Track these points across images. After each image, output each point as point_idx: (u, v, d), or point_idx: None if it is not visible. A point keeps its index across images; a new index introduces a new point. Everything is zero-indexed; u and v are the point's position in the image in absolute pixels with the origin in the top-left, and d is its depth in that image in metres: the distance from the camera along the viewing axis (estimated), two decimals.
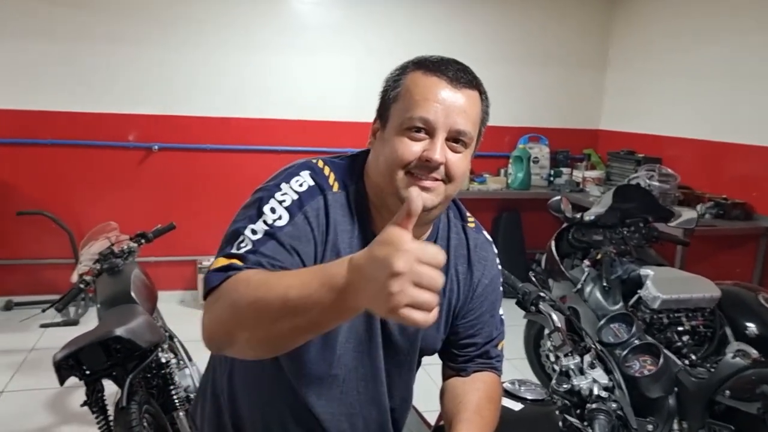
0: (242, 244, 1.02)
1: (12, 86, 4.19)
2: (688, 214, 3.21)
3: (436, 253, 0.75)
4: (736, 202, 3.81)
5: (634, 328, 1.82)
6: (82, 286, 2.37)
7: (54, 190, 4.35)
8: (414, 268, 0.73)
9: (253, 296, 0.88)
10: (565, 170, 5.10)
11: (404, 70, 1.12)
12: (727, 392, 2.05)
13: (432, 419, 1.46)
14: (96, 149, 4.39)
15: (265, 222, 1.04)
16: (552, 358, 2.96)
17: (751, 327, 2.43)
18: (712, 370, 2.17)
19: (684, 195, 4.07)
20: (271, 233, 1.03)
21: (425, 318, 0.74)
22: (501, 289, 1.33)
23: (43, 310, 2.60)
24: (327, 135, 4.62)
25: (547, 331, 1.60)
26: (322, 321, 0.84)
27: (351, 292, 0.79)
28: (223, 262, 1.00)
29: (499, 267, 1.33)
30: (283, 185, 1.10)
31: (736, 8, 3.95)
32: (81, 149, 4.37)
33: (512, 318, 2.92)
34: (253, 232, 1.03)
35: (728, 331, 2.53)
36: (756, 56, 3.79)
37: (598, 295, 2.62)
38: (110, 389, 2.04)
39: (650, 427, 1.65)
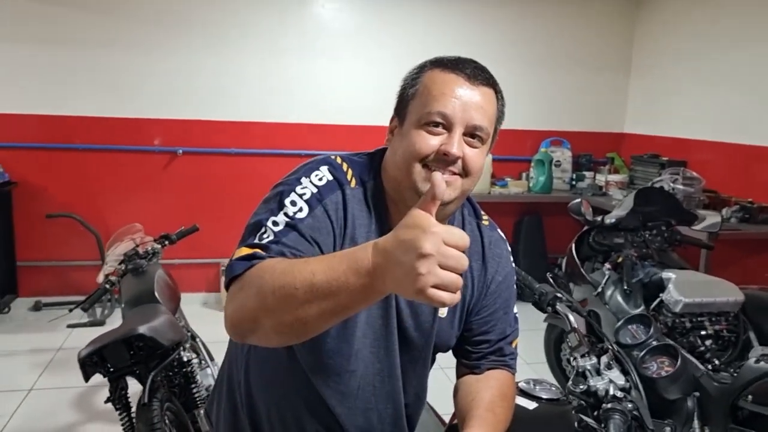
0: (264, 235, 1.05)
1: (41, 91, 4.30)
2: (712, 217, 3.17)
3: (461, 235, 0.78)
4: (763, 206, 3.74)
5: (651, 330, 1.81)
6: (107, 286, 2.42)
7: (82, 193, 4.45)
8: (440, 249, 0.76)
9: (279, 282, 0.89)
10: (587, 174, 5.05)
11: (422, 68, 1.15)
12: (750, 397, 2.02)
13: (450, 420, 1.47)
14: (123, 153, 4.49)
15: (286, 214, 1.07)
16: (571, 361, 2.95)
17: None
18: (735, 374, 2.14)
19: (709, 198, 4.02)
20: (292, 224, 1.06)
21: (452, 298, 0.77)
22: (515, 287, 1.33)
23: (70, 310, 2.67)
24: (349, 139, 4.65)
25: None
26: (348, 304, 0.86)
27: (378, 275, 0.81)
28: (246, 251, 1.02)
29: (513, 265, 1.34)
30: (303, 179, 1.13)
31: (763, 11, 3.89)
32: (108, 153, 4.47)
33: (533, 322, 2.92)
34: (275, 223, 1.06)
35: (752, 335, 2.50)
36: None
37: (619, 298, 2.61)
38: (135, 387, 2.08)
39: (668, 429, 1.63)
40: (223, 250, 4.53)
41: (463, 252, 0.78)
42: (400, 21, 4.75)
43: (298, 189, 1.11)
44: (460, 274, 0.79)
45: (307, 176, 1.13)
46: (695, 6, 4.51)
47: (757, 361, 2.07)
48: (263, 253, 1.01)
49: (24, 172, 4.34)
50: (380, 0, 4.69)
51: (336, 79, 4.72)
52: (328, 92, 4.72)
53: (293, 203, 1.08)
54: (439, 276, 0.76)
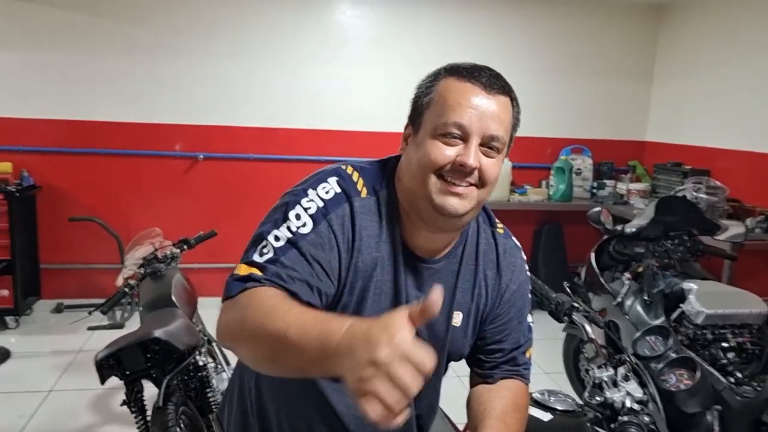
0: (264, 250, 1.06)
1: (66, 97, 4.37)
2: (736, 227, 3.12)
3: (424, 359, 0.73)
4: None
5: (670, 341, 1.77)
6: (126, 289, 2.44)
7: (104, 197, 4.52)
8: (393, 365, 0.70)
9: (259, 322, 0.92)
10: (608, 182, 4.99)
11: (437, 76, 1.13)
12: None
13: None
14: (144, 158, 4.54)
15: (288, 228, 1.07)
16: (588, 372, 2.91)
17: None
18: (759, 388, 2.09)
19: (733, 208, 3.94)
20: (293, 241, 1.06)
21: (382, 419, 0.70)
22: (529, 295, 1.32)
23: (90, 313, 2.70)
24: (370, 145, 4.66)
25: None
26: (306, 368, 0.87)
27: (336, 355, 0.78)
28: (244, 270, 1.04)
29: (528, 273, 1.32)
30: (310, 191, 1.12)
31: None
32: (130, 158, 4.53)
33: (553, 332, 2.88)
34: (276, 238, 1.07)
35: None
36: None
37: (639, 308, 2.57)
38: (151, 391, 2.09)
39: None
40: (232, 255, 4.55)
41: (424, 376, 0.73)
42: (419, 27, 4.75)
43: (304, 202, 1.10)
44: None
45: (314, 188, 1.12)
46: (718, 14, 4.45)
47: None
48: (260, 275, 1.02)
49: (48, 176, 4.41)
50: (400, 7, 4.71)
51: (356, 86, 4.73)
52: (348, 99, 4.73)
53: (297, 217, 1.08)
54: (378, 390, 0.70)
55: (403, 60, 4.70)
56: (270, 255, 1.05)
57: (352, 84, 4.72)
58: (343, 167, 1.18)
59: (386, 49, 4.73)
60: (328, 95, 4.70)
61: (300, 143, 4.70)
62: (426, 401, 1.30)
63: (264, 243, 1.06)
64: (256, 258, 1.05)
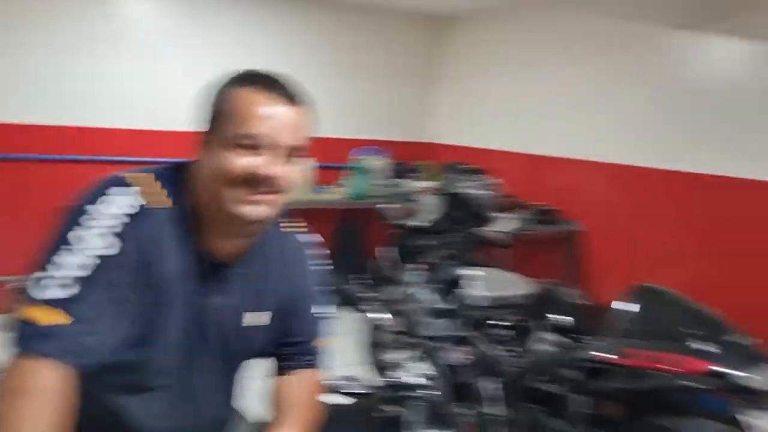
0: (51, 282, 0.97)
1: None
2: (510, 220, 3.51)
3: None
4: (550, 209, 4.22)
5: (454, 323, 1.95)
6: None
7: None
8: None
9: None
10: (402, 181, 5.30)
11: (231, 85, 1.11)
12: (538, 377, 2.27)
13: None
14: None
15: (76, 252, 1.00)
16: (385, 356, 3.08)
17: (560, 319, 2.71)
18: (529, 359, 2.38)
19: (507, 203, 4.42)
20: (84, 266, 0.99)
21: None
22: (321, 288, 1.36)
23: None
24: (157, 144, 4.42)
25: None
26: None
27: None
28: (33, 313, 0.95)
29: (320, 267, 1.37)
30: (93, 207, 1.04)
31: (546, 43, 4.41)
32: None
33: (352, 322, 2.98)
34: (63, 266, 0.98)
35: (542, 323, 2.80)
36: (565, 83, 4.27)
37: (428, 296, 2.77)
38: None
39: (466, 410, 1.77)
40: (13, 266, 4.06)
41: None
42: (208, 30, 4.63)
43: (88, 220, 1.03)
44: None
45: (98, 203, 1.05)
46: (490, 30, 4.98)
47: (542, 346, 2.34)
48: (65, 327, 0.94)
49: None
50: (187, 5, 4.55)
51: (144, 83, 4.47)
52: (135, 96, 4.45)
53: (84, 239, 1.01)
54: None
55: (191, 58, 4.55)
56: (71, 292, 0.97)
57: (140, 81, 4.46)
58: (129, 176, 1.10)
59: (176, 46, 4.55)
60: (113, 92, 4.38)
61: (83, 142, 4.32)
62: (219, 402, 1.30)
63: (51, 273, 0.98)
64: (41, 294, 0.96)
